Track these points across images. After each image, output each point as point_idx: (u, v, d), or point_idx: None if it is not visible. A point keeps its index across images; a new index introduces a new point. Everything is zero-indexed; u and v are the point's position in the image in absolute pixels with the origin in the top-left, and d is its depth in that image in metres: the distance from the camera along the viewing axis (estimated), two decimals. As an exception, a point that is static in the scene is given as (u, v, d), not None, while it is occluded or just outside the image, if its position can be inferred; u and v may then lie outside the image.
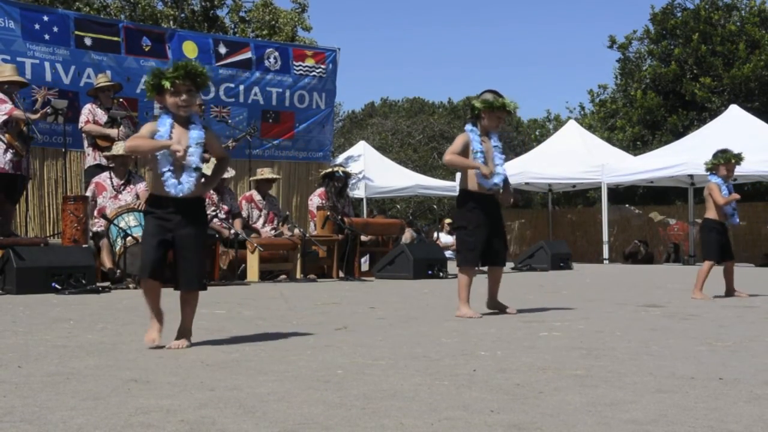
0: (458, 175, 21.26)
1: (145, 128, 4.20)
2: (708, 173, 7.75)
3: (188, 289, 4.26)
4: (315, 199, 11.03)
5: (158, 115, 4.22)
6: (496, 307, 5.99)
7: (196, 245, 4.20)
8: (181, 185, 4.08)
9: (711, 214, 7.64)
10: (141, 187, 9.09)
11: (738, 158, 7.68)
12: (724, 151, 7.70)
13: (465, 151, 5.72)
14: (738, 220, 7.84)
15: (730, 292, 7.66)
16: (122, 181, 9.13)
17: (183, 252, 4.17)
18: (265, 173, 10.63)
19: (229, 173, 10.07)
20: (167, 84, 4.09)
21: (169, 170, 4.07)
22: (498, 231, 5.89)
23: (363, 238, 10.88)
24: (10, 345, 4.15)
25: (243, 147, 12.12)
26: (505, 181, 5.90)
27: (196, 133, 4.16)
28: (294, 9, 22.51)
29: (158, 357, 3.77)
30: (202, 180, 4.23)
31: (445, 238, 20.48)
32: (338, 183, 10.99)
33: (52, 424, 2.46)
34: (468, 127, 5.84)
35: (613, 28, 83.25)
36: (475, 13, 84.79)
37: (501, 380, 3.21)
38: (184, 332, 4.20)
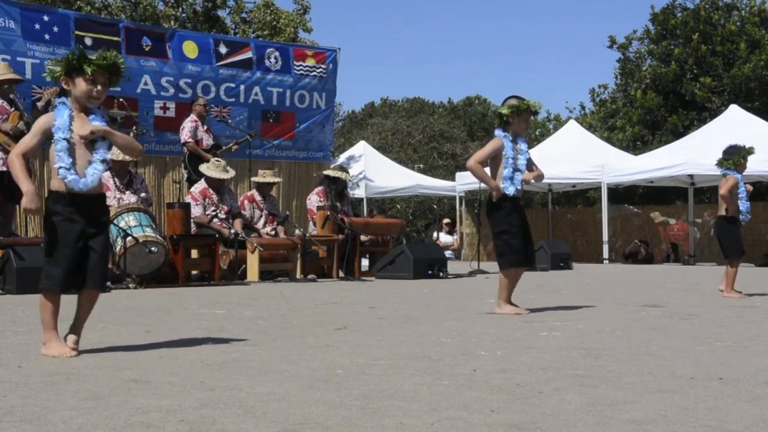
0: (459, 176, 21.18)
1: (39, 123, 3.88)
2: (725, 170, 7.73)
3: (96, 289, 3.98)
4: (313, 198, 11.03)
5: (55, 106, 3.92)
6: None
7: (104, 245, 3.94)
8: (85, 178, 3.83)
9: (724, 210, 7.69)
10: (142, 198, 9.13)
11: (751, 151, 7.79)
12: (743, 147, 7.74)
13: (497, 157, 5.99)
14: (748, 218, 7.86)
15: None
16: (125, 181, 9.14)
17: (92, 252, 3.87)
18: (267, 176, 10.59)
19: (229, 173, 10.06)
20: (89, 69, 3.85)
21: (68, 164, 3.81)
22: (529, 232, 6.12)
23: (363, 238, 10.89)
24: (10, 345, 4.15)
25: (243, 147, 12.13)
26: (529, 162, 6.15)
27: (98, 123, 3.91)
28: (296, 10, 22.52)
29: (158, 357, 3.77)
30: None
31: (445, 238, 20.48)
32: (339, 186, 10.99)
33: (52, 424, 2.46)
34: (500, 132, 6.03)
35: (613, 28, 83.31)
36: (475, 13, 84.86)
37: (501, 380, 3.21)
38: (78, 331, 3.98)
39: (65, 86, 3.96)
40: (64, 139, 3.82)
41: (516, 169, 5.95)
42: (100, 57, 3.91)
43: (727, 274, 7.64)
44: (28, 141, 3.91)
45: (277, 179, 10.95)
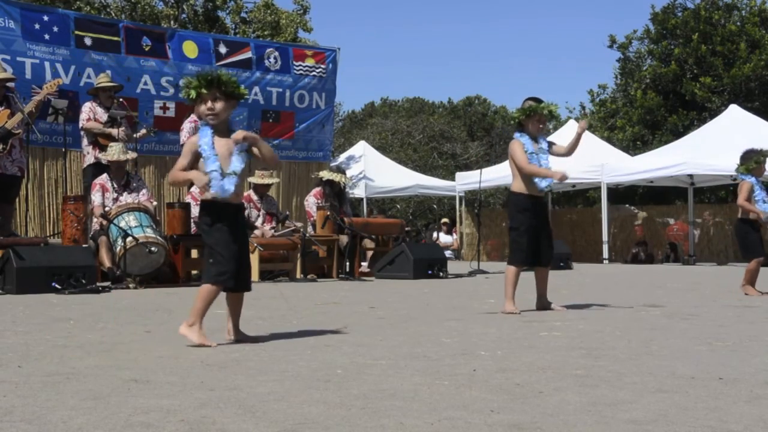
0: (459, 176, 21.21)
1: (188, 145, 4.27)
2: (740, 175, 7.80)
3: (245, 290, 4.44)
4: (311, 200, 11.03)
5: (199, 127, 4.30)
6: (544, 306, 6.21)
7: (247, 249, 4.43)
8: (222, 188, 4.16)
9: (743, 213, 7.72)
10: (144, 195, 9.08)
11: (766, 154, 7.85)
12: (759, 151, 7.77)
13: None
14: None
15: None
16: (122, 182, 9.12)
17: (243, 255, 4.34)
18: (264, 178, 10.56)
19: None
20: (193, 94, 4.19)
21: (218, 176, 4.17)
22: (546, 233, 6.19)
23: (369, 244, 10.93)
24: (10, 345, 4.15)
25: (243, 147, 12.14)
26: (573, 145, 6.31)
27: (230, 142, 4.24)
28: (296, 11, 22.53)
29: (158, 357, 3.77)
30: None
31: (445, 238, 20.49)
32: (335, 188, 10.98)
33: (52, 424, 2.46)
34: (516, 134, 6.16)
35: (613, 27, 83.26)
36: (475, 13, 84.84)
37: (501, 380, 3.21)
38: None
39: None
40: (212, 156, 4.17)
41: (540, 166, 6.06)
42: (198, 77, 4.22)
43: (747, 270, 7.75)
44: (180, 163, 4.25)
45: (274, 180, 10.94)
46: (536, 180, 6.00)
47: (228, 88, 4.21)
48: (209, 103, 4.19)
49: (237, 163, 4.22)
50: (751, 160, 7.75)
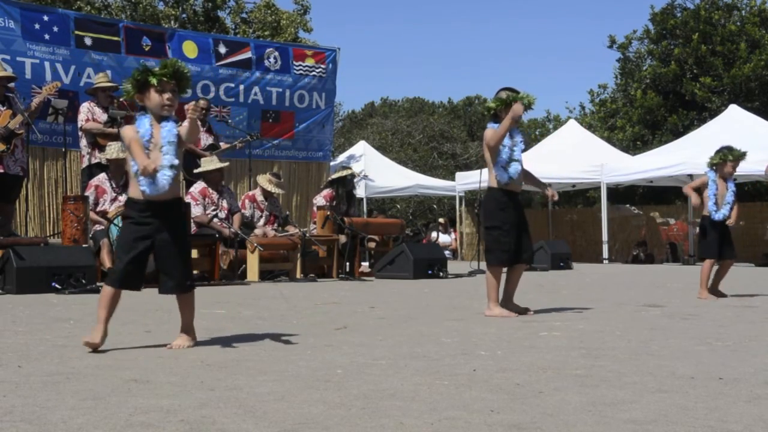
0: (459, 176, 21.18)
1: (129, 132, 4.04)
2: (709, 168, 7.67)
3: (179, 293, 4.16)
4: (319, 200, 11.03)
5: (135, 119, 4.10)
6: (512, 311, 5.88)
7: (179, 248, 4.10)
8: (155, 184, 3.97)
9: (707, 211, 7.63)
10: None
11: (743, 156, 7.66)
12: (730, 149, 7.65)
13: (495, 148, 5.82)
14: (720, 217, 7.60)
15: (714, 289, 7.59)
16: (121, 182, 9.11)
17: (167, 256, 4.06)
18: (273, 186, 10.45)
19: (224, 162, 10.09)
20: (154, 81, 4.01)
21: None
22: (525, 229, 5.96)
23: (371, 245, 10.93)
24: (10, 345, 4.15)
25: (243, 147, 12.15)
26: (527, 174, 6.07)
27: (167, 131, 4.04)
28: (296, 11, 22.53)
29: (158, 357, 3.77)
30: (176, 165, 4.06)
31: (444, 238, 20.49)
32: (347, 187, 11.01)
33: (52, 423, 2.46)
34: (492, 125, 5.87)
35: (613, 27, 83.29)
36: (474, 13, 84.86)
37: (501, 380, 3.21)
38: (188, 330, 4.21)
39: (141, 102, 4.11)
40: (147, 149, 3.99)
41: (512, 159, 5.81)
42: (162, 66, 4.06)
43: (701, 273, 7.56)
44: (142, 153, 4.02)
45: (280, 190, 10.80)
46: (497, 173, 5.73)
47: (183, 83, 4.10)
48: (170, 94, 4.04)
49: (172, 156, 4.00)
50: (717, 155, 7.64)
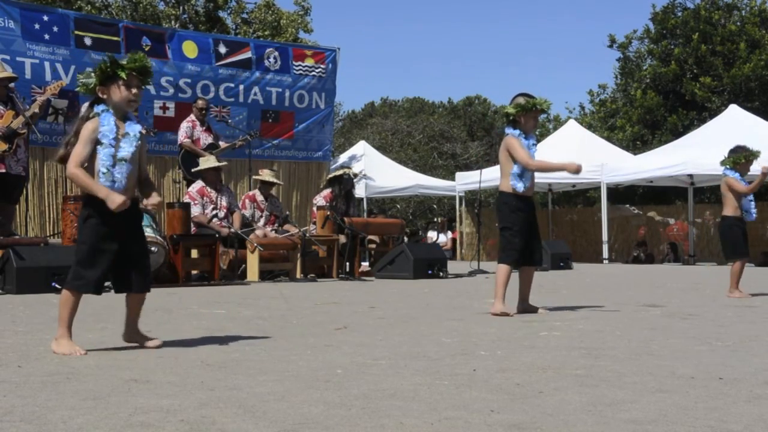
0: (459, 176, 21.17)
1: (88, 129, 3.89)
2: (724, 167, 7.71)
3: (142, 292, 4.08)
4: (319, 200, 11.04)
5: (97, 114, 3.92)
6: (527, 310, 6.03)
7: (142, 249, 4.07)
8: (115, 182, 3.88)
9: (729, 211, 7.68)
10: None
11: (756, 155, 7.74)
12: (744, 148, 7.70)
13: (511, 155, 5.95)
14: (754, 215, 7.82)
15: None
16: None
17: (132, 257, 3.99)
18: (265, 175, 10.59)
19: (222, 161, 10.13)
20: (123, 74, 3.91)
21: (105, 170, 3.88)
22: (535, 232, 6.10)
23: (371, 246, 10.92)
24: (10, 345, 4.15)
25: (243, 147, 12.15)
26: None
27: (133, 128, 3.97)
28: (297, 11, 22.53)
29: (158, 357, 3.77)
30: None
31: (444, 238, 20.49)
32: (346, 186, 11.01)
33: (52, 423, 2.46)
34: (513, 131, 5.98)
35: (613, 27, 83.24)
36: (474, 13, 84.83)
37: (501, 380, 3.21)
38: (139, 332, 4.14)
39: (101, 95, 3.97)
40: (111, 145, 3.88)
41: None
42: (131, 60, 3.96)
43: (732, 274, 7.67)
44: (80, 151, 3.88)
45: (276, 180, 10.92)
46: (513, 182, 5.88)
47: (147, 79, 4.04)
48: (136, 90, 3.96)
49: (127, 148, 3.92)
50: (740, 154, 7.68)
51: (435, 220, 22.17)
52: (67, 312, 3.95)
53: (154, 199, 4.05)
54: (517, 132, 5.96)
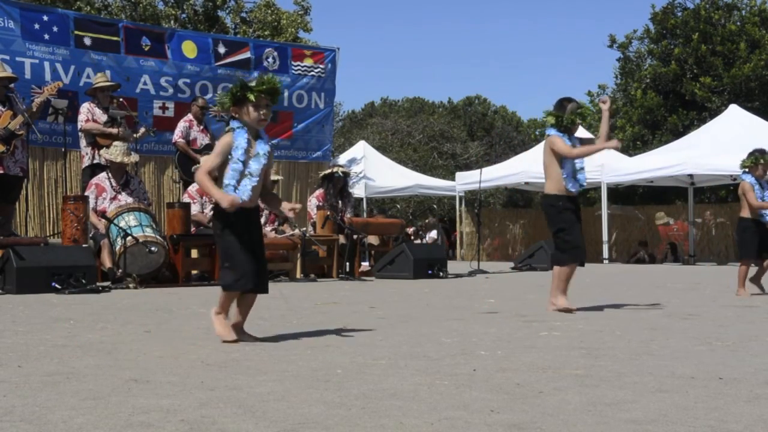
0: (459, 176, 21.18)
1: (222, 142, 4.26)
2: (742, 171, 7.78)
3: (263, 293, 4.41)
4: (313, 201, 11.03)
5: (232, 129, 4.27)
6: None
7: (264, 252, 4.42)
8: (240, 193, 4.20)
9: (745, 212, 7.73)
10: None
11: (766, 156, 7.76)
12: (762, 151, 7.74)
13: (557, 155, 6.13)
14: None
15: (757, 280, 7.81)
16: (121, 182, 9.10)
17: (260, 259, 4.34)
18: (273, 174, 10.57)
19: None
20: (252, 97, 4.21)
21: (235, 184, 4.22)
22: (581, 231, 6.23)
23: (372, 245, 10.92)
24: (10, 345, 4.15)
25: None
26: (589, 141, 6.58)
27: (263, 147, 4.29)
28: (296, 11, 22.52)
29: (158, 357, 3.77)
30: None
31: (433, 234, 20.50)
32: (338, 184, 10.98)
33: (52, 423, 2.46)
34: (557, 132, 6.12)
35: (613, 27, 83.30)
36: (474, 13, 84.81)
37: (501, 380, 3.21)
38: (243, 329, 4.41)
39: (234, 115, 4.29)
40: (240, 160, 4.22)
41: (579, 168, 6.15)
42: (260, 83, 4.26)
43: (738, 274, 7.73)
44: (212, 161, 4.26)
45: (277, 177, 10.92)
46: (568, 184, 6.02)
47: (275, 100, 4.34)
48: (265, 110, 4.27)
49: (254, 166, 4.25)
50: (754, 156, 7.72)
51: (428, 219, 22.13)
52: (228, 302, 4.32)
53: (290, 204, 4.48)
54: (560, 134, 6.09)
